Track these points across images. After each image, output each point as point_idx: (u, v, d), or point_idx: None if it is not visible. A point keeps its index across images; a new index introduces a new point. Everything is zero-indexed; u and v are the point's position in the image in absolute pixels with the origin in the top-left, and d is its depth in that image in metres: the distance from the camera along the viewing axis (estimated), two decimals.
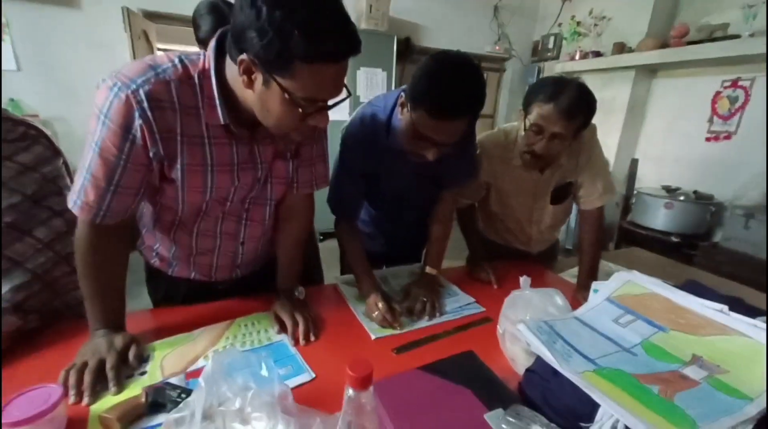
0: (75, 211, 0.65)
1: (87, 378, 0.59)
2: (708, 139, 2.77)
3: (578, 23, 3.51)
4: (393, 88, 3.53)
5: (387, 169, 0.99)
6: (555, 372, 0.60)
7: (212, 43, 0.63)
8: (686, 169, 2.90)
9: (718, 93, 2.70)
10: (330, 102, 0.63)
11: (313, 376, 0.68)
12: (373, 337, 0.82)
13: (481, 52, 4.04)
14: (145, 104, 0.59)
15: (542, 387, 0.61)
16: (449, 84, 0.74)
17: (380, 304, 0.86)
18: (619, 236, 2.94)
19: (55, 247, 0.76)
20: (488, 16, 3.99)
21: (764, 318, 0.63)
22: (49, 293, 0.77)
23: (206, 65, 0.63)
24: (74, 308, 0.80)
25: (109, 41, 2.81)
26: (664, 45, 2.78)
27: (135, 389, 0.61)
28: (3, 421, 0.47)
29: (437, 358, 0.67)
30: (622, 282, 0.79)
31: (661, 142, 3.11)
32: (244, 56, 0.56)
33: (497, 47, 4.04)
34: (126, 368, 0.65)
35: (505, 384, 0.61)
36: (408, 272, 1.16)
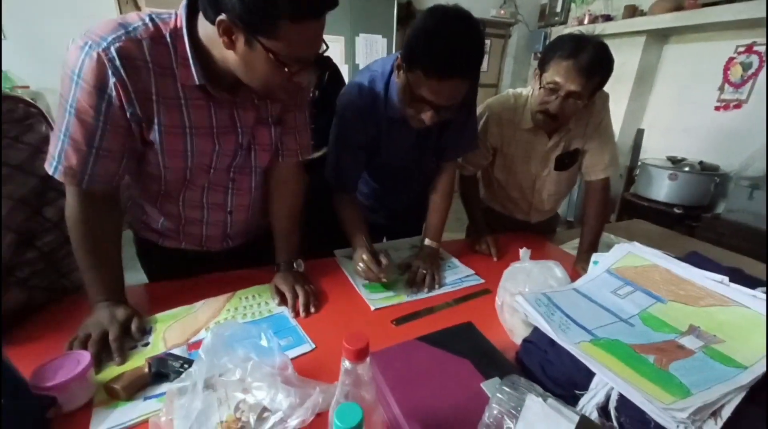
0: (57, 176, 0.63)
1: (91, 349, 0.60)
2: (717, 108, 2.69)
3: None
4: None
5: (387, 139, 0.96)
6: (552, 342, 0.60)
7: (183, 1, 0.61)
8: (694, 140, 2.84)
9: (731, 59, 2.59)
10: (313, 60, 0.63)
11: (313, 346, 0.69)
12: (372, 308, 0.83)
13: (485, 16, 3.85)
14: (117, 62, 0.58)
15: (540, 357, 0.62)
16: (446, 41, 0.70)
17: (365, 257, 0.86)
18: (622, 208, 2.93)
19: (61, 226, 0.76)
20: None
21: (764, 289, 0.62)
22: (54, 272, 0.78)
23: (178, 24, 0.61)
24: (80, 288, 0.80)
25: (95, 8, 2.68)
26: (678, 7, 2.64)
27: (138, 360, 0.62)
28: (39, 384, 0.49)
29: (436, 329, 0.67)
30: (622, 253, 0.78)
31: (669, 111, 3.02)
32: (223, 17, 0.54)
33: (502, 11, 3.85)
34: (129, 340, 0.66)
35: (503, 355, 0.62)
36: (409, 244, 1.16)
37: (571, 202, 3.28)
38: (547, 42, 3.90)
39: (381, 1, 3.21)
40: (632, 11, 2.96)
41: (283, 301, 0.81)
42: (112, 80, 0.58)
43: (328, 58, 1.70)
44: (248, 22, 0.54)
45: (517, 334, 0.73)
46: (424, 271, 0.93)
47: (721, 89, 2.66)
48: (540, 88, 0.96)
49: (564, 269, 0.78)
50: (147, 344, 0.66)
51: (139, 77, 0.60)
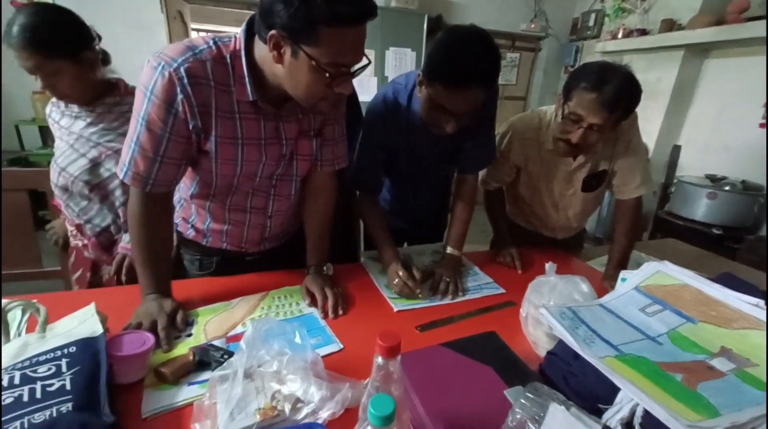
0: (126, 180, 0.71)
1: None
2: (762, 126, 2.56)
3: None
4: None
5: (407, 144, 1.02)
6: (576, 355, 0.61)
7: (243, 26, 0.68)
8: (735, 158, 2.71)
9: None
10: (352, 69, 0.67)
11: (341, 346, 0.72)
12: (395, 309, 0.86)
13: (515, 29, 3.86)
14: (185, 80, 0.65)
15: (563, 369, 0.62)
16: (462, 54, 0.75)
17: (401, 273, 0.90)
18: (655, 226, 2.82)
19: None
20: None
21: None
22: None
23: (237, 46, 0.69)
24: None
25: (146, 23, 2.90)
26: (719, 21, 2.56)
27: (183, 349, 0.67)
28: (113, 352, 0.57)
29: (460, 337, 0.69)
30: (652, 271, 0.77)
31: (708, 128, 2.90)
32: (273, 32, 0.60)
33: (533, 25, 3.85)
34: (174, 330, 0.72)
35: (526, 365, 0.63)
36: (431, 250, 1.19)
37: (600, 218, 3.19)
38: (579, 56, 3.87)
39: (411, 15, 3.29)
40: (670, 25, 2.89)
41: (313, 302, 0.85)
42: (180, 97, 0.66)
43: None
44: (292, 30, 0.59)
45: (541, 346, 0.74)
46: (447, 280, 0.95)
47: (767, 106, 2.54)
48: (563, 117, 0.96)
49: (590, 284, 0.78)
50: (190, 335, 0.72)
51: (202, 94, 0.67)
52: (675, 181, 2.77)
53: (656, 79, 2.98)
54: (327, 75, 0.63)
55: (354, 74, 0.67)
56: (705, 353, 0.60)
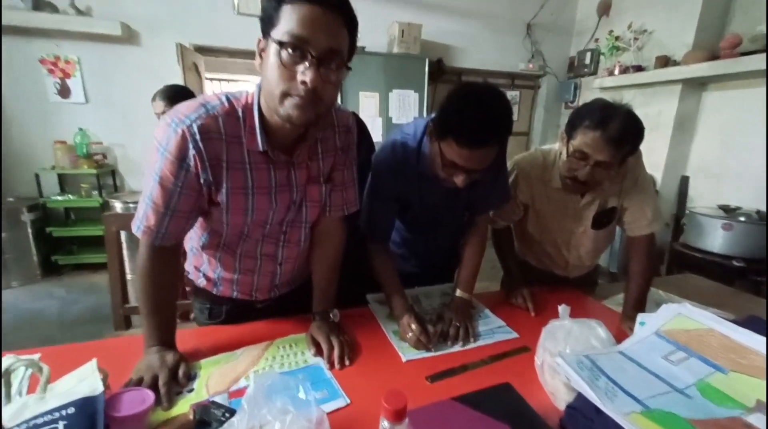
0: (138, 234, 0.73)
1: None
2: None
3: (617, 38, 3.41)
4: (425, 108, 3.58)
5: (418, 194, 1.01)
6: (598, 410, 0.57)
7: (259, 82, 0.70)
8: (748, 187, 2.67)
9: None
10: (315, 53, 0.60)
11: (348, 401, 0.69)
12: (404, 359, 0.83)
13: (514, 70, 4.01)
14: (198, 136, 0.67)
15: (585, 426, 0.58)
16: (476, 114, 0.76)
17: (414, 326, 0.87)
18: (671, 260, 2.74)
19: None
20: (521, 34, 3.98)
21: None
22: None
23: (249, 101, 0.72)
24: None
25: (164, 73, 3.09)
26: (713, 57, 2.63)
27: (183, 405, 0.65)
28: (110, 412, 0.54)
29: (472, 388, 0.66)
30: (672, 315, 0.74)
31: (715, 158, 2.89)
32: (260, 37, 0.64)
33: (531, 65, 4.01)
34: (176, 385, 0.69)
35: (544, 421, 0.59)
36: (440, 292, 1.16)
37: (613, 252, 3.12)
38: (578, 92, 3.97)
39: (413, 60, 3.45)
40: (664, 61, 2.98)
41: (318, 351, 0.82)
42: (192, 152, 0.68)
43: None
44: (265, 22, 0.62)
45: (560, 398, 0.69)
46: (458, 324, 0.92)
47: None
48: (568, 155, 0.97)
49: (607, 329, 0.75)
50: (191, 390, 0.69)
51: (213, 148, 0.70)
52: (687, 212, 2.73)
53: (657, 112, 3.03)
54: (287, 53, 0.59)
55: (317, 61, 0.60)
56: (740, 408, 0.56)
